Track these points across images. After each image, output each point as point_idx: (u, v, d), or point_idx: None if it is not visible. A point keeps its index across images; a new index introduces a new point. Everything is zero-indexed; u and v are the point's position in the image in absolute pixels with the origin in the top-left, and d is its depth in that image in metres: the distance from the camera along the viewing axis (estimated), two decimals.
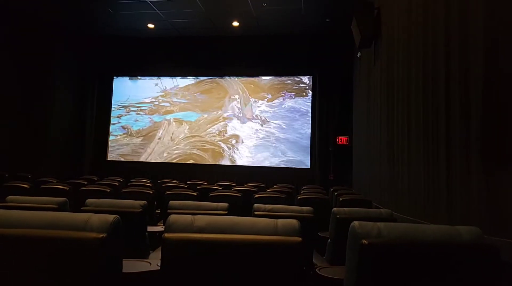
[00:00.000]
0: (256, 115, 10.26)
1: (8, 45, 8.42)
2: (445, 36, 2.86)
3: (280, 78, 10.33)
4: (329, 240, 2.89)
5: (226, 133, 10.32)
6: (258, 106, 10.32)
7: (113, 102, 11.05)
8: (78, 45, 10.37)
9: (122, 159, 10.73)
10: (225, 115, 10.43)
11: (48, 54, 9.48)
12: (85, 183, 5.95)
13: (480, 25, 2.31)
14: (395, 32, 4.53)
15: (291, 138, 10.01)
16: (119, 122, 11.00)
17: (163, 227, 3.13)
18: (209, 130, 10.44)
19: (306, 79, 10.23)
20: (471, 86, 2.39)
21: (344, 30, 7.39)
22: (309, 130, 9.96)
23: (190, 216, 1.42)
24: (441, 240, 1.41)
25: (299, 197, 4.63)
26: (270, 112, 10.24)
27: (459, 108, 2.56)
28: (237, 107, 10.41)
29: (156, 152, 10.59)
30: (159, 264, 1.32)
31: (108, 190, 4.70)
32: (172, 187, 5.85)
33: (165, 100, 10.83)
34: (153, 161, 10.57)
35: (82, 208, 2.62)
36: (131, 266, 2.26)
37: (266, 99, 10.32)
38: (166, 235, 1.30)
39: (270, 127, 10.15)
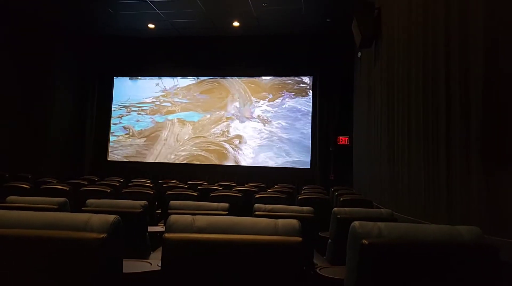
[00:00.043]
0: (258, 115, 10.26)
1: (8, 45, 8.43)
2: (445, 36, 2.86)
3: (281, 78, 10.34)
4: (329, 240, 2.90)
5: (229, 134, 10.31)
6: (259, 106, 10.31)
7: (113, 102, 11.04)
8: (78, 45, 10.37)
9: (125, 160, 10.72)
10: (223, 114, 10.42)
11: (48, 54, 9.48)
12: (86, 183, 5.95)
13: (480, 25, 2.31)
14: (395, 32, 4.53)
15: (293, 138, 10.01)
16: (120, 122, 10.98)
17: (164, 227, 3.13)
18: (212, 130, 10.43)
19: (307, 79, 10.23)
20: (471, 86, 2.39)
21: (345, 30, 7.39)
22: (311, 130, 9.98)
23: (190, 216, 1.43)
24: (442, 240, 1.41)
25: (299, 197, 4.63)
26: (271, 112, 10.23)
27: (459, 108, 2.56)
28: (236, 107, 10.41)
29: (163, 154, 10.55)
30: (160, 265, 1.32)
31: (109, 190, 4.69)
32: (173, 187, 5.85)
33: (166, 100, 10.82)
34: (158, 162, 10.57)
35: (83, 208, 2.62)
36: (131, 266, 2.26)
37: (267, 99, 10.32)
38: (166, 235, 1.30)
39: (272, 127, 10.15)
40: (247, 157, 10.14)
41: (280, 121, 10.14)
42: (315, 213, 2.78)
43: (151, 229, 3.19)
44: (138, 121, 10.89)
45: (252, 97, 10.36)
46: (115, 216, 1.39)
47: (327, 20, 8.79)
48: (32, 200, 2.75)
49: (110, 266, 1.34)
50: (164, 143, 10.60)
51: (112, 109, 11.02)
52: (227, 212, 2.81)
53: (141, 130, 10.83)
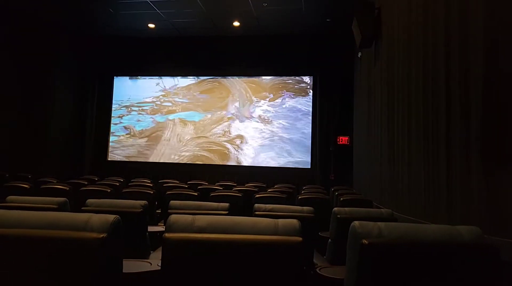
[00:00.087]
0: (259, 115, 10.25)
1: (8, 45, 8.43)
2: (445, 36, 2.86)
3: (281, 78, 10.33)
4: (329, 240, 2.90)
5: (230, 134, 10.31)
6: (259, 106, 10.31)
7: (113, 102, 11.03)
8: (78, 45, 10.37)
9: (125, 160, 10.71)
10: (224, 114, 10.41)
11: (48, 54, 9.48)
12: (86, 183, 5.95)
13: (480, 25, 2.31)
14: (395, 32, 4.53)
15: (294, 138, 10.00)
16: (121, 122, 10.96)
17: (164, 227, 3.13)
18: (214, 130, 10.42)
19: (307, 79, 10.23)
20: (471, 86, 2.39)
21: (345, 30, 7.40)
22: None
23: (190, 216, 1.43)
24: (442, 240, 1.41)
25: (299, 197, 4.63)
26: (272, 112, 10.22)
27: (459, 108, 2.56)
28: (236, 106, 10.41)
29: (166, 155, 10.52)
30: (160, 264, 1.32)
31: (109, 190, 4.70)
32: (173, 187, 5.85)
33: (167, 99, 10.81)
34: (158, 161, 10.56)
35: (83, 208, 2.62)
36: (131, 266, 2.26)
37: (267, 99, 10.31)
38: (166, 235, 1.30)
39: (273, 127, 10.14)
40: (248, 157, 10.14)
41: (281, 121, 10.14)
42: (315, 213, 2.78)
43: (151, 229, 3.19)
44: (138, 121, 10.87)
45: (253, 97, 10.35)
46: (115, 216, 1.39)
47: (327, 20, 8.79)
48: (32, 200, 2.75)
49: (110, 266, 1.34)
50: (166, 143, 10.58)
51: (112, 109, 11.01)
52: (227, 212, 2.82)
53: (142, 130, 10.81)
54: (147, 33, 10.16)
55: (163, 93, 10.85)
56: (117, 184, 6.10)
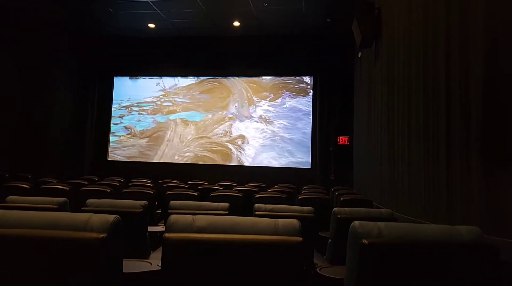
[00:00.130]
0: (260, 115, 10.25)
1: (8, 45, 8.43)
2: (445, 36, 2.86)
3: (282, 78, 10.32)
4: (329, 240, 2.90)
5: (232, 134, 10.30)
6: (260, 106, 10.31)
7: (114, 101, 11.01)
8: (78, 45, 10.37)
9: (126, 160, 10.70)
10: (225, 114, 10.41)
11: (48, 54, 9.48)
12: (86, 183, 5.95)
13: (480, 25, 2.31)
14: (395, 32, 4.53)
15: (296, 139, 9.99)
16: (121, 122, 10.94)
17: (164, 227, 3.12)
18: (215, 130, 10.40)
19: (307, 79, 10.22)
20: (471, 86, 2.39)
21: (345, 30, 7.40)
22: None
23: (190, 216, 1.43)
24: (442, 240, 1.41)
25: (299, 197, 4.63)
26: (273, 112, 10.21)
27: (459, 108, 2.56)
28: (237, 107, 10.40)
29: (167, 155, 10.48)
30: (160, 264, 1.32)
31: (109, 190, 4.69)
32: (173, 187, 5.85)
33: (167, 99, 10.80)
34: (158, 161, 10.55)
35: (83, 208, 2.62)
36: (131, 266, 2.26)
37: (268, 99, 10.30)
38: (166, 235, 1.30)
39: (274, 127, 10.13)
40: (249, 157, 10.12)
41: (281, 121, 10.12)
42: (315, 213, 2.78)
43: (151, 229, 3.19)
44: (139, 121, 10.86)
45: (253, 97, 10.35)
46: (115, 216, 1.39)
47: (328, 20, 8.79)
48: (32, 200, 2.75)
49: (110, 266, 1.34)
50: (168, 144, 10.56)
51: (113, 109, 10.99)
52: (227, 212, 2.81)
53: (143, 130, 10.79)
54: (147, 33, 10.16)
55: (163, 93, 10.84)
56: (117, 184, 6.10)
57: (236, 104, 10.40)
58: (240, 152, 10.15)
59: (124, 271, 1.52)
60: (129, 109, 10.94)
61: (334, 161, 9.46)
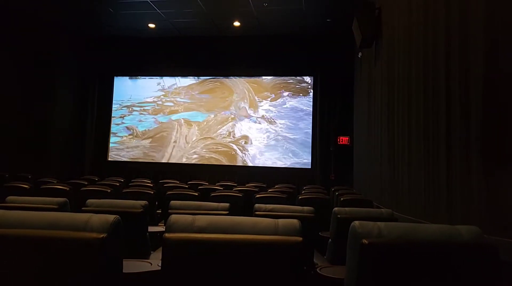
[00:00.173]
0: (263, 116, 10.23)
1: (8, 45, 8.43)
2: (445, 36, 2.86)
3: (283, 78, 10.31)
4: (329, 239, 2.90)
5: (235, 134, 10.27)
6: (261, 106, 10.29)
7: (114, 101, 10.99)
8: (78, 45, 10.38)
9: (126, 160, 10.69)
10: (227, 114, 10.38)
11: (49, 54, 9.48)
12: (86, 183, 5.95)
13: (480, 25, 2.31)
14: (395, 32, 4.53)
15: (299, 139, 9.97)
16: (122, 123, 10.90)
17: (164, 227, 3.13)
18: (219, 131, 10.36)
19: (308, 79, 10.22)
20: (471, 86, 2.39)
21: (345, 30, 7.40)
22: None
23: (190, 216, 1.43)
24: (441, 239, 1.41)
25: (300, 197, 4.63)
26: (275, 112, 10.20)
27: (459, 108, 2.56)
28: (238, 107, 10.39)
29: (175, 157, 10.42)
30: (160, 264, 1.32)
31: (109, 190, 4.69)
32: (173, 187, 5.85)
33: (169, 99, 10.77)
34: (158, 162, 10.53)
35: (83, 208, 2.62)
36: (131, 266, 2.27)
37: (269, 99, 10.30)
38: (166, 235, 1.31)
39: (277, 127, 10.11)
40: (253, 158, 10.10)
41: (283, 121, 10.11)
42: (316, 213, 2.78)
43: (151, 229, 3.19)
44: (140, 121, 10.82)
45: (255, 97, 10.34)
46: (115, 216, 1.39)
47: (328, 20, 8.79)
48: (32, 200, 2.75)
49: (110, 266, 1.34)
50: (174, 145, 10.50)
51: (114, 109, 10.96)
52: (227, 212, 2.81)
53: (145, 130, 10.75)
54: (147, 33, 10.16)
55: (163, 93, 10.82)
56: (117, 184, 6.10)
57: (239, 104, 10.38)
58: (244, 154, 10.13)
59: (124, 271, 1.52)
60: (130, 109, 10.92)
61: (334, 161, 9.46)
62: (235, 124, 10.31)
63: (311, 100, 10.07)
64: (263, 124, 10.20)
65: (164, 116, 10.71)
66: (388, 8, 5.06)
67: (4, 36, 8.32)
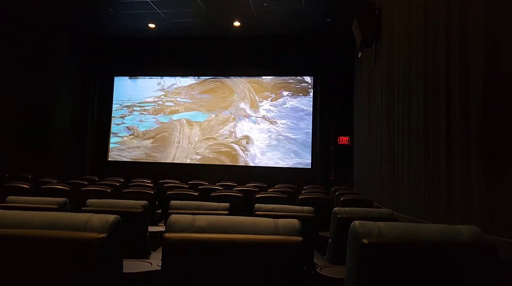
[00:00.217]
0: (263, 116, 10.23)
1: (8, 45, 8.43)
2: (445, 36, 2.86)
3: (283, 77, 10.31)
4: (330, 239, 2.90)
5: (236, 135, 10.26)
6: (262, 106, 10.29)
7: (114, 101, 10.98)
8: (78, 45, 10.38)
9: (126, 160, 10.68)
10: (228, 114, 10.37)
11: (48, 54, 9.48)
12: (86, 183, 5.95)
13: (480, 25, 2.31)
14: (395, 32, 4.53)
15: (300, 139, 9.96)
16: (123, 123, 10.89)
17: (164, 227, 3.13)
18: (221, 131, 10.35)
19: (308, 79, 10.22)
20: (471, 86, 2.39)
21: (345, 30, 7.40)
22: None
23: (191, 216, 1.43)
24: (441, 239, 1.41)
25: (300, 197, 4.63)
26: (275, 112, 10.19)
27: (459, 108, 2.56)
28: (239, 107, 10.38)
29: (179, 158, 10.40)
30: (160, 264, 1.32)
31: (109, 190, 4.69)
32: (173, 187, 5.85)
33: (169, 99, 10.76)
34: (158, 162, 10.52)
35: (83, 208, 2.62)
36: (131, 266, 2.27)
37: (269, 99, 10.29)
38: (166, 235, 1.31)
39: (278, 127, 10.11)
40: (254, 158, 10.09)
41: (284, 121, 10.10)
42: (316, 213, 2.78)
43: (151, 229, 3.19)
44: (141, 121, 10.81)
45: (256, 97, 10.33)
46: (115, 216, 1.39)
47: (328, 20, 8.79)
48: (32, 200, 2.75)
49: (110, 266, 1.34)
50: (177, 146, 10.47)
51: (114, 109, 10.95)
52: (227, 212, 2.82)
53: (146, 130, 10.74)
54: (147, 33, 10.16)
55: (164, 93, 10.81)
56: (118, 184, 6.10)
57: (240, 104, 10.37)
58: (246, 154, 10.12)
59: (124, 271, 1.52)
60: (131, 109, 10.91)
61: (334, 161, 9.46)
62: (236, 124, 10.30)
63: (311, 100, 10.07)
64: (264, 124, 10.19)
65: (165, 116, 10.69)
66: (388, 8, 5.06)
67: (4, 36, 8.32)
